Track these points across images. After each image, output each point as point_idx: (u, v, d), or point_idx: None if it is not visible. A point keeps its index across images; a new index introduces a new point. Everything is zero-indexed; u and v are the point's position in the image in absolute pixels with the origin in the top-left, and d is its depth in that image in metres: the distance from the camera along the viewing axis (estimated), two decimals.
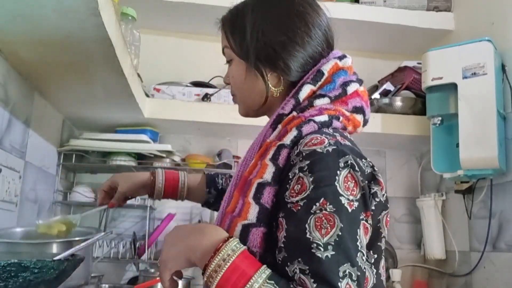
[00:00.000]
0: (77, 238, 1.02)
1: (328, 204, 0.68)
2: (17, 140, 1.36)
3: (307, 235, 0.67)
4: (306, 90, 0.84)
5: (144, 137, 1.82)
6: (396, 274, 1.84)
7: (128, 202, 1.81)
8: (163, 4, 1.86)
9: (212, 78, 1.98)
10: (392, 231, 2.13)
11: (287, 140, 0.77)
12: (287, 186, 0.73)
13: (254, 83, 0.89)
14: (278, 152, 0.77)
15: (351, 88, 0.86)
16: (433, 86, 1.74)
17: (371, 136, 1.94)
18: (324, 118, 0.80)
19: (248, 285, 0.66)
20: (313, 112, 0.81)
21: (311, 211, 0.69)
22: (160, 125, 1.89)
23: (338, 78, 0.86)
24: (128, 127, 1.86)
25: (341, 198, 0.69)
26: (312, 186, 0.70)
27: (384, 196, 0.78)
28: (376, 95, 1.96)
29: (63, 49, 1.13)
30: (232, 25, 0.92)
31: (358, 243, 0.69)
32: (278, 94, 0.88)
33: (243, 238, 0.73)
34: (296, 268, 0.67)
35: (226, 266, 0.67)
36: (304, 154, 0.73)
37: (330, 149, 0.72)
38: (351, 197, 0.70)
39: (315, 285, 0.65)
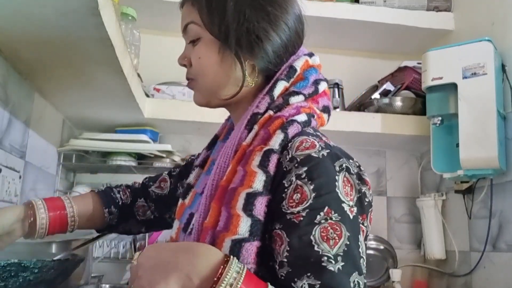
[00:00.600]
0: (77, 238, 1.02)
1: (333, 212, 0.66)
2: (17, 140, 1.36)
3: (315, 248, 0.64)
4: (280, 87, 0.80)
5: (144, 137, 1.81)
6: (396, 274, 1.84)
7: None
8: (163, 4, 1.85)
9: None
10: (392, 231, 2.13)
11: (275, 144, 0.72)
12: (283, 195, 0.68)
13: (229, 69, 0.81)
14: (267, 158, 0.71)
15: (321, 87, 0.84)
16: (433, 86, 1.74)
17: (371, 136, 1.94)
18: (304, 117, 0.76)
19: None
20: (292, 111, 0.77)
21: (315, 221, 0.65)
22: (160, 125, 1.89)
23: (310, 76, 0.83)
24: (128, 127, 1.86)
25: (343, 205, 0.67)
26: (313, 194, 0.66)
27: (371, 195, 0.76)
28: (376, 95, 1.96)
29: (63, 49, 1.13)
30: (208, 1, 0.81)
31: (360, 249, 0.67)
32: (253, 85, 0.82)
33: (234, 254, 0.65)
34: (305, 283, 0.62)
35: None
36: (299, 159, 0.69)
37: (324, 153, 0.69)
38: (350, 203, 0.68)
39: None
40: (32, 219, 0.88)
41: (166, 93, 1.86)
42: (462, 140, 1.62)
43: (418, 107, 1.91)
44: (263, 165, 0.70)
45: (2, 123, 1.25)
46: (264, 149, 0.72)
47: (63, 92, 1.49)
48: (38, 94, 1.48)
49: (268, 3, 0.80)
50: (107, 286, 1.75)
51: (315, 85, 0.83)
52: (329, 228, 0.65)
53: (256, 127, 0.77)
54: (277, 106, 0.78)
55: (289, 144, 0.72)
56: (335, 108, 1.92)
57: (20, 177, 1.38)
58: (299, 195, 0.67)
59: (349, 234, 0.65)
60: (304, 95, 0.80)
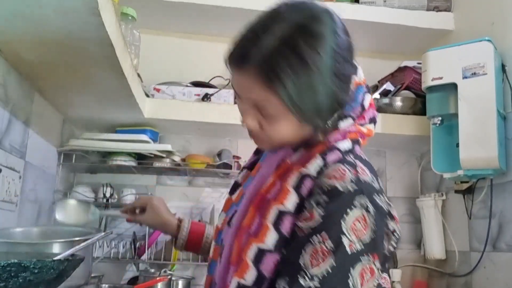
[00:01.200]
0: (77, 238, 1.02)
1: (328, 240, 0.69)
2: (17, 140, 1.36)
3: (299, 260, 0.70)
4: None
5: (144, 137, 1.81)
6: (396, 274, 1.84)
7: (128, 202, 1.83)
8: (163, 4, 1.85)
9: (212, 78, 1.98)
10: None
11: (312, 169, 0.76)
12: (301, 214, 0.74)
13: (305, 132, 0.78)
14: (302, 181, 0.75)
15: (367, 102, 0.84)
16: (433, 86, 1.74)
17: (371, 136, 1.93)
18: (347, 144, 0.79)
19: None
20: (338, 137, 0.79)
21: (311, 240, 0.70)
22: (160, 125, 1.89)
23: (359, 95, 0.82)
24: (128, 127, 1.86)
25: (343, 238, 0.69)
26: (320, 219, 0.71)
27: (399, 229, 0.78)
28: (376, 95, 1.96)
29: (63, 49, 1.13)
30: (295, 77, 0.69)
31: (350, 282, 0.68)
32: None
33: (257, 260, 0.74)
34: (281, 285, 0.70)
35: None
36: (324, 188, 0.73)
37: (350, 188, 0.72)
38: (354, 239, 0.70)
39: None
40: (176, 236, 1.14)
41: (166, 93, 1.86)
42: (462, 140, 1.62)
43: (418, 107, 1.91)
44: (297, 187, 0.75)
45: (2, 123, 1.25)
46: (302, 172, 0.76)
47: (63, 92, 1.49)
48: (38, 94, 1.48)
49: (342, 66, 0.74)
50: (107, 286, 1.75)
51: (362, 104, 0.83)
52: (319, 250, 0.69)
53: (301, 149, 0.80)
54: (325, 131, 0.79)
55: (324, 170, 0.75)
56: None
57: (20, 177, 1.38)
58: (308, 214, 0.72)
59: (334, 265, 0.68)
60: (352, 117, 0.82)
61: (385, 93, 1.97)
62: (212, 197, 2.03)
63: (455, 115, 1.67)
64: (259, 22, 0.74)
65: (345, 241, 0.69)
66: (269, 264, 0.73)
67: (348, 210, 0.70)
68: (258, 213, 0.77)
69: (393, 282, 1.84)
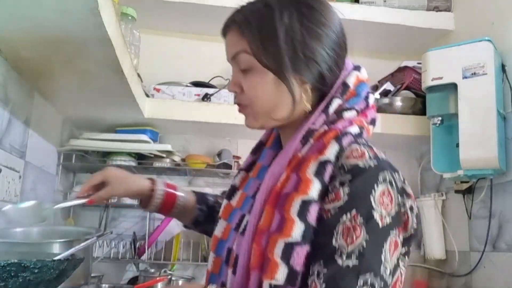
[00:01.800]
0: (77, 238, 1.02)
1: (359, 216, 0.70)
2: (17, 140, 1.36)
3: (333, 242, 0.70)
4: (335, 105, 0.82)
5: (144, 137, 1.82)
6: None
7: (128, 202, 1.82)
8: (163, 4, 1.86)
9: (212, 78, 1.98)
10: None
11: (331, 155, 0.76)
12: (326, 198, 0.74)
13: (284, 94, 0.81)
14: (323, 168, 0.75)
15: (371, 101, 0.87)
16: (433, 86, 1.74)
17: (371, 136, 1.93)
18: (356, 129, 0.80)
19: None
20: (345, 123, 0.80)
21: (340, 219, 0.70)
22: (160, 125, 1.89)
23: (362, 91, 0.86)
24: (128, 127, 1.86)
25: (374, 212, 0.70)
26: (346, 197, 0.71)
27: (417, 206, 0.78)
28: (376, 95, 1.96)
29: (63, 49, 1.13)
30: (259, 30, 0.80)
31: (382, 256, 0.69)
32: (309, 105, 0.83)
33: (286, 256, 0.72)
34: (316, 269, 0.70)
35: None
36: (346, 168, 0.73)
37: (372, 164, 0.73)
38: (383, 212, 0.70)
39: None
40: (150, 198, 1.03)
41: (166, 93, 1.86)
42: (462, 140, 1.62)
43: (418, 107, 1.91)
44: (319, 174, 0.75)
45: (2, 123, 1.25)
46: (321, 159, 0.76)
47: (63, 92, 1.50)
48: (38, 94, 1.48)
49: (316, 24, 0.82)
50: (107, 286, 1.75)
51: (366, 100, 0.86)
52: (351, 228, 0.69)
53: (311, 140, 0.80)
54: (331, 121, 0.81)
55: (342, 153, 0.75)
56: None
57: (20, 177, 1.38)
58: (333, 195, 0.72)
59: (367, 238, 0.69)
60: (356, 110, 0.83)
61: (385, 93, 1.97)
62: None
63: (455, 115, 1.67)
64: None
65: (376, 215, 0.70)
66: (300, 257, 0.71)
67: (375, 185, 0.71)
68: (277, 210, 0.75)
69: None
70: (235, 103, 0.89)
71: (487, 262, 1.69)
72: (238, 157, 1.94)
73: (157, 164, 1.84)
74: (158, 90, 1.86)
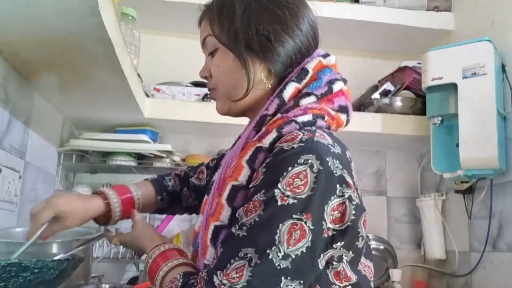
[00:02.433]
0: (77, 238, 1.02)
1: (263, 193, 0.70)
2: (17, 140, 1.36)
3: (237, 213, 0.72)
4: (291, 89, 0.81)
5: (144, 137, 1.81)
6: (396, 274, 1.84)
7: None
8: (163, 4, 1.85)
9: None
10: (392, 231, 2.13)
11: (266, 142, 0.76)
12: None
13: (242, 76, 0.83)
14: (256, 155, 0.75)
15: (336, 86, 0.83)
16: (433, 86, 1.74)
17: (371, 136, 1.94)
18: (307, 117, 0.77)
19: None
20: (298, 112, 0.78)
21: (254, 198, 0.70)
22: (160, 125, 1.89)
23: (324, 76, 0.83)
24: (128, 127, 1.86)
25: (275, 190, 0.69)
26: (262, 176, 0.72)
27: (359, 197, 0.75)
28: (376, 95, 1.96)
29: (63, 49, 1.13)
30: (219, 11, 0.85)
31: (276, 237, 0.67)
32: (269, 87, 0.84)
33: (214, 238, 0.75)
34: (222, 238, 0.74)
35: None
36: (274, 151, 0.73)
37: (295, 146, 0.71)
38: (288, 193, 0.68)
39: (218, 255, 0.71)
40: (109, 213, 0.97)
41: (166, 93, 1.86)
42: (462, 140, 1.62)
43: (418, 107, 1.91)
44: (251, 160, 0.76)
45: (2, 123, 1.25)
46: (256, 145, 0.76)
47: (63, 92, 1.49)
48: (38, 94, 1.48)
49: (278, 6, 0.83)
50: (107, 286, 1.75)
51: (329, 85, 0.83)
52: (251, 203, 0.70)
53: (263, 129, 0.79)
54: (287, 109, 0.79)
55: (279, 140, 0.75)
56: None
57: (20, 177, 1.38)
58: (255, 175, 0.74)
59: (262, 214, 0.69)
60: (316, 95, 0.81)
61: (385, 93, 1.97)
62: None
63: (455, 115, 1.67)
64: None
65: (277, 193, 0.68)
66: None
67: (290, 166, 0.69)
68: (218, 195, 0.78)
69: (393, 282, 1.84)
70: (210, 95, 0.93)
71: (487, 262, 1.69)
72: None
73: (157, 164, 1.84)
74: (158, 90, 1.86)
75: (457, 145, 1.64)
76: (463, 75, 1.65)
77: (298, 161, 0.70)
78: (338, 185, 0.71)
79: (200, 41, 0.90)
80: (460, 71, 1.66)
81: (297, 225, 0.68)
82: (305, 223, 0.68)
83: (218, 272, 0.68)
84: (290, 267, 0.67)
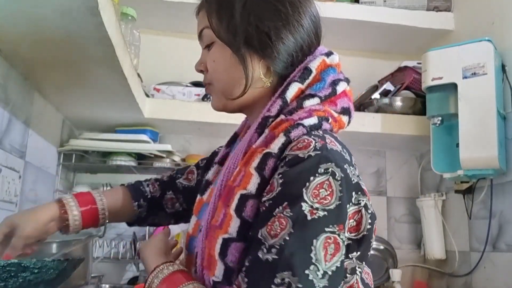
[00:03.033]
0: (77, 238, 1.02)
1: (288, 208, 0.64)
2: (17, 140, 1.36)
3: (259, 234, 0.65)
4: (293, 89, 0.77)
5: (144, 137, 1.82)
6: (396, 274, 1.84)
7: None
8: (163, 4, 1.85)
9: None
10: (392, 231, 2.13)
11: (275, 147, 0.71)
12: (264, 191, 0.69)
13: (240, 72, 0.79)
14: (265, 161, 0.70)
15: (340, 88, 0.80)
16: (433, 86, 1.74)
17: (371, 136, 1.94)
18: (313, 120, 0.74)
19: None
20: (302, 114, 0.74)
21: (274, 213, 0.65)
22: (160, 125, 1.89)
23: (328, 76, 0.80)
24: (128, 127, 1.86)
25: (303, 204, 0.64)
26: (279, 188, 0.66)
27: (371, 205, 0.72)
28: (376, 95, 1.96)
29: (63, 49, 1.13)
30: (218, 4, 0.81)
31: (312, 254, 0.62)
32: (268, 85, 0.80)
33: (223, 252, 0.69)
34: (245, 263, 0.66)
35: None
36: (287, 159, 0.68)
37: (312, 154, 0.67)
38: (316, 205, 0.64)
39: (245, 286, 0.63)
40: (66, 216, 0.91)
41: (166, 93, 1.86)
42: (462, 140, 1.62)
43: (418, 107, 1.91)
44: (260, 168, 0.71)
45: (2, 123, 1.25)
46: (264, 151, 0.71)
47: (63, 92, 1.49)
48: (38, 94, 1.48)
49: (280, 2, 0.79)
50: (107, 286, 1.75)
51: (332, 86, 0.80)
52: (276, 220, 0.64)
53: (266, 131, 0.75)
54: (290, 111, 0.76)
55: (288, 146, 0.70)
56: None
57: (20, 177, 1.38)
58: (269, 187, 0.68)
59: (292, 231, 0.63)
60: (320, 97, 0.77)
61: (385, 93, 1.97)
62: None
63: (455, 115, 1.67)
64: None
65: (304, 206, 0.63)
66: (233, 254, 0.68)
67: (311, 177, 0.65)
68: (224, 205, 0.72)
69: (393, 282, 1.84)
70: (206, 90, 0.90)
71: (487, 262, 1.69)
72: None
73: (157, 164, 1.84)
74: (158, 90, 1.86)
75: (457, 145, 1.64)
76: (463, 75, 1.65)
77: (319, 170, 0.66)
78: (354, 193, 0.69)
79: (197, 33, 0.88)
80: (460, 71, 1.66)
81: (330, 238, 0.64)
82: (338, 235, 0.65)
83: None
84: (327, 285, 0.62)
